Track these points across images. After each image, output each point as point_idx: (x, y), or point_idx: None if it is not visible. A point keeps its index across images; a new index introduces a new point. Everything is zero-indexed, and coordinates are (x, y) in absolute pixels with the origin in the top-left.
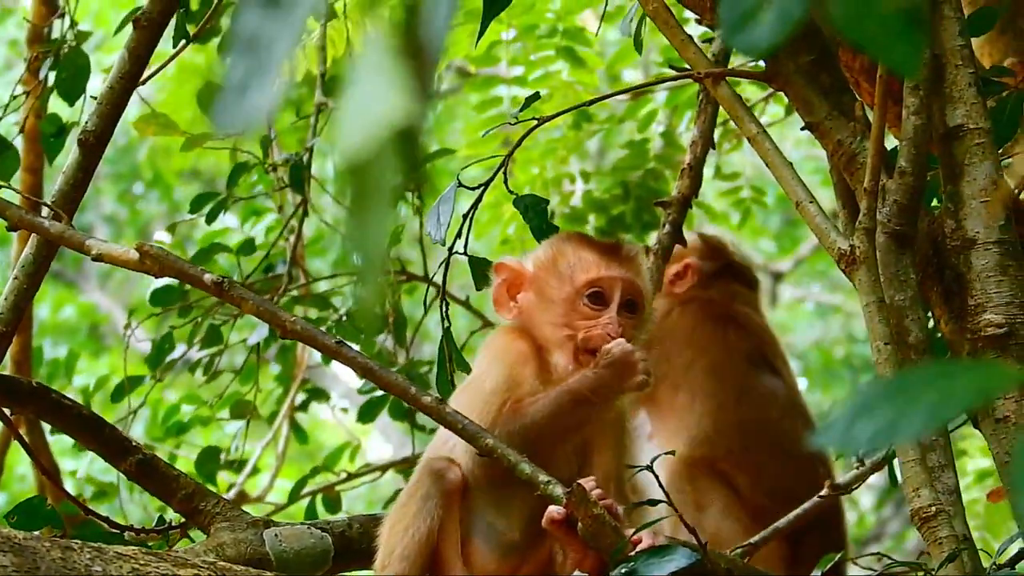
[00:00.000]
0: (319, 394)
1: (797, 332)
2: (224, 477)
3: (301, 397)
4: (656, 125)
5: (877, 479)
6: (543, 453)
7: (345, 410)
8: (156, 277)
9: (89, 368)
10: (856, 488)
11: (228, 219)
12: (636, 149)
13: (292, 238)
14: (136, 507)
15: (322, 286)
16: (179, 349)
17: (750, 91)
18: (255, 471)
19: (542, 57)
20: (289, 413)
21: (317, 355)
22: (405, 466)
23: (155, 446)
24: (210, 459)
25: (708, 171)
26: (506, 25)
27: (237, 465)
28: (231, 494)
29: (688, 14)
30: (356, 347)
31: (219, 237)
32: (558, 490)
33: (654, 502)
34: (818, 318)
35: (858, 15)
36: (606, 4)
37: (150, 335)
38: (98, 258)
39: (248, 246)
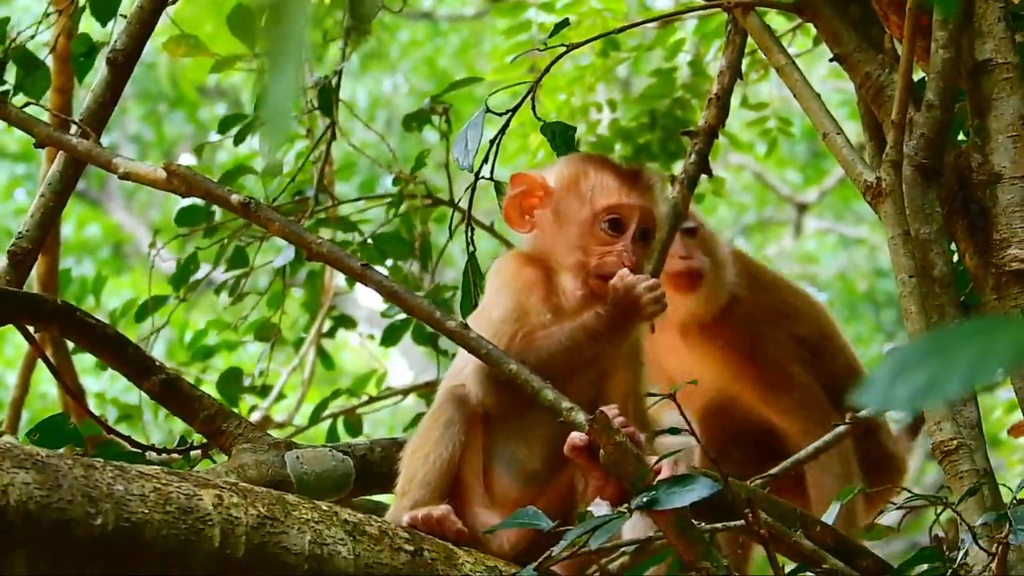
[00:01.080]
0: (346, 321)
1: (822, 263)
2: (250, 401)
3: (328, 324)
4: (683, 55)
5: (896, 414)
6: (557, 384)
7: (372, 337)
8: (183, 196)
9: (112, 287)
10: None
11: (256, 142)
12: (664, 78)
13: (320, 162)
14: (159, 431)
15: (347, 209)
16: (203, 270)
17: (777, 22)
18: (280, 396)
19: None
20: (316, 339)
21: (341, 281)
22: (427, 390)
23: (181, 371)
24: (232, 381)
25: (735, 101)
26: None
27: (262, 390)
28: (255, 417)
29: None
30: (382, 270)
31: (247, 161)
32: (580, 417)
33: (676, 431)
34: (842, 249)
35: None
36: None
37: (175, 255)
38: (125, 176)
39: (275, 168)
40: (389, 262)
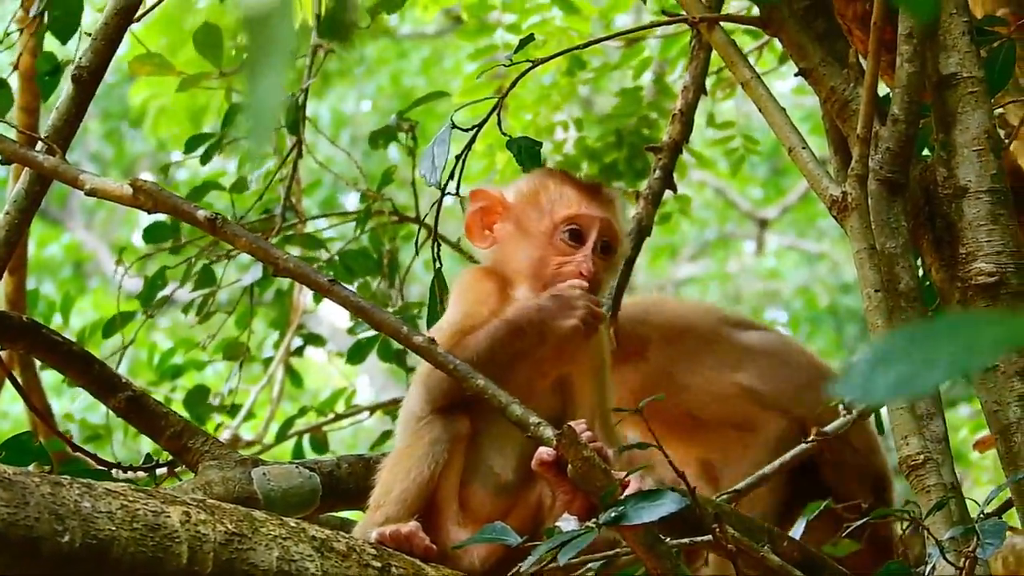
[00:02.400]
0: (315, 339)
1: (784, 279)
2: (219, 420)
3: (297, 342)
4: (649, 73)
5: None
6: (516, 393)
7: (341, 355)
8: (149, 213)
9: (74, 307)
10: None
11: (223, 161)
12: (629, 97)
13: (287, 180)
14: (127, 451)
15: (315, 226)
16: (170, 287)
17: (743, 41)
18: (250, 415)
19: (536, 4)
20: (285, 357)
21: (310, 300)
22: (392, 407)
23: (150, 390)
24: (199, 399)
25: (701, 120)
26: None
27: (231, 409)
28: (224, 437)
29: None
30: (351, 287)
31: (213, 179)
32: (548, 432)
33: (644, 445)
34: (805, 264)
35: None
36: None
37: (139, 274)
38: (92, 193)
39: (241, 184)
40: (359, 281)
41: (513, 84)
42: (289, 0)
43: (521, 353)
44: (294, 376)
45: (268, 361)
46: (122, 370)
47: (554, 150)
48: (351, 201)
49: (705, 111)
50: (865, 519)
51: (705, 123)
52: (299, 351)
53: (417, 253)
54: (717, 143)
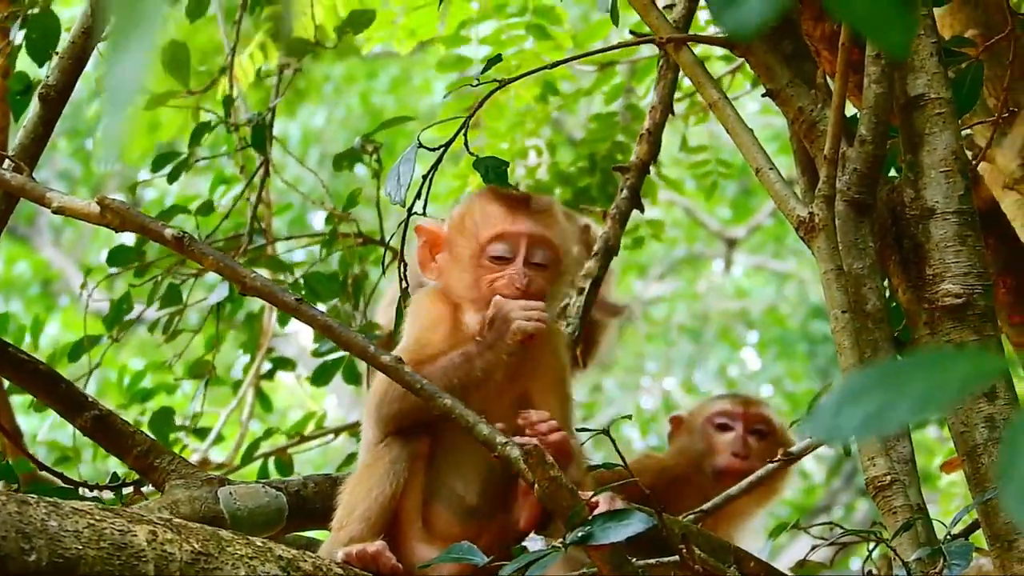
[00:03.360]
0: (284, 363)
1: (753, 298)
2: (190, 445)
3: (267, 366)
4: (621, 99)
5: (827, 450)
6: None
7: (310, 379)
8: (116, 231)
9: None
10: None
11: (194, 182)
12: (602, 122)
13: (254, 200)
14: (96, 472)
15: (281, 247)
16: (138, 308)
17: (718, 66)
18: (219, 439)
19: (512, 36)
20: (255, 381)
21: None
22: (357, 429)
23: (121, 413)
24: (165, 421)
25: (674, 143)
26: (476, 4)
27: (199, 432)
28: (194, 459)
29: None
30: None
31: (188, 202)
32: (515, 451)
33: (611, 466)
34: (773, 284)
35: None
36: None
37: (106, 293)
38: (59, 211)
39: (207, 207)
40: (328, 304)
41: (480, 104)
42: None
43: (476, 384)
44: (264, 399)
45: (238, 384)
46: (90, 390)
47: (527, 175)
48: (320, 220)
49: (678, 135)
50: (832, 542)
51: (679, 148)
52: (269, 374)
53: (384, 274)
54: (691, 167)
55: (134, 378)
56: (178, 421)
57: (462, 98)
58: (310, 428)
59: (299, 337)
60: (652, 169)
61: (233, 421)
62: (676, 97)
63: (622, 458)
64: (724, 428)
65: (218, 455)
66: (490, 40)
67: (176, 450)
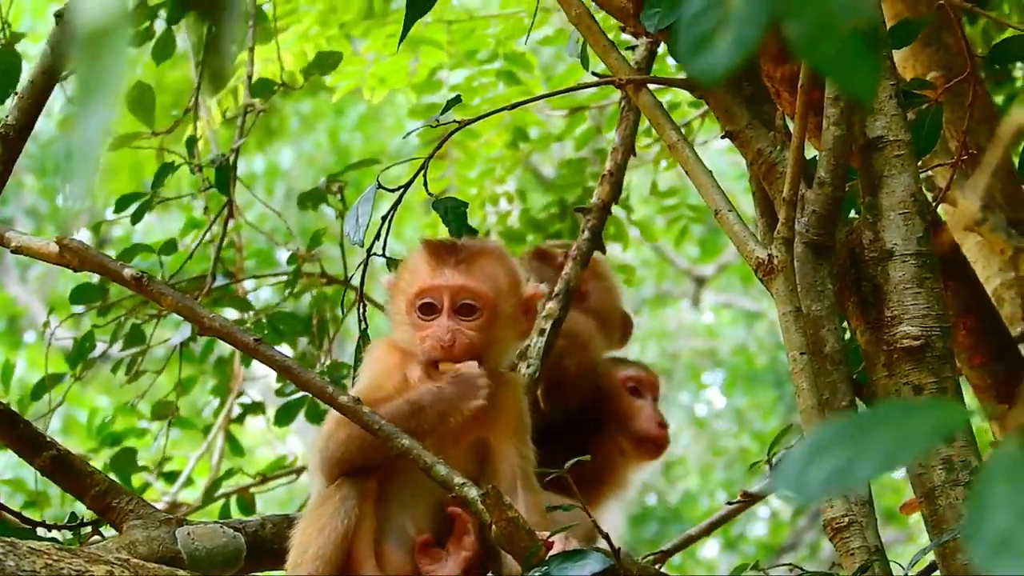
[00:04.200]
0: (255, 407)
1: (721, 337)
2: (159, 487)
3: (237, 410)
4: (591, 144)
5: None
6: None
7: (274, 419)
8: (75, 271)
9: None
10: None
11: (159, 221)
12: (573, 167)
13: (219, 238)
14: (65, 516)
15: (249, 285)
16: (103, 345)
17: (689, 109)
18: (188, 482)
19: (482, 84)
20: (225, 425)
21: (256, 367)
22: None
23: (90, 457)
24: (127, 461)
25: (645, 185)
26: (447, 52)
27: (170, 476)
28: (162, 504)
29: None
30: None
31: (158, 245)
32: (473, 492)
33: (568, 507)
34: (742, 322)
35: (815, 37)
36: (532, 21)
37: (72, 330)
38: (17, 250)
39: (170, 246)
40: (301, 346)
41: (440, 145)
42: (124, 24)
43: (421, 432)
44: (234, 444)
45: (208, 427)
46: (55, 427)
47: (498, 222)
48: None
49: (649, 180)
50: None
51: (649, 191)
52: (239, 419)
53: (344, 314)
54: (660, 211)
55: (103, 424)
56: (147, 464)
57: (432, 143)
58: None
59: (268, 378)
60: (624, 213)
61: (204, 464)
62: (647, 142)
63: (579, 499)
64: (636, 393)
65: (189, 497)
66: (462, 87)
67: (144, 493)
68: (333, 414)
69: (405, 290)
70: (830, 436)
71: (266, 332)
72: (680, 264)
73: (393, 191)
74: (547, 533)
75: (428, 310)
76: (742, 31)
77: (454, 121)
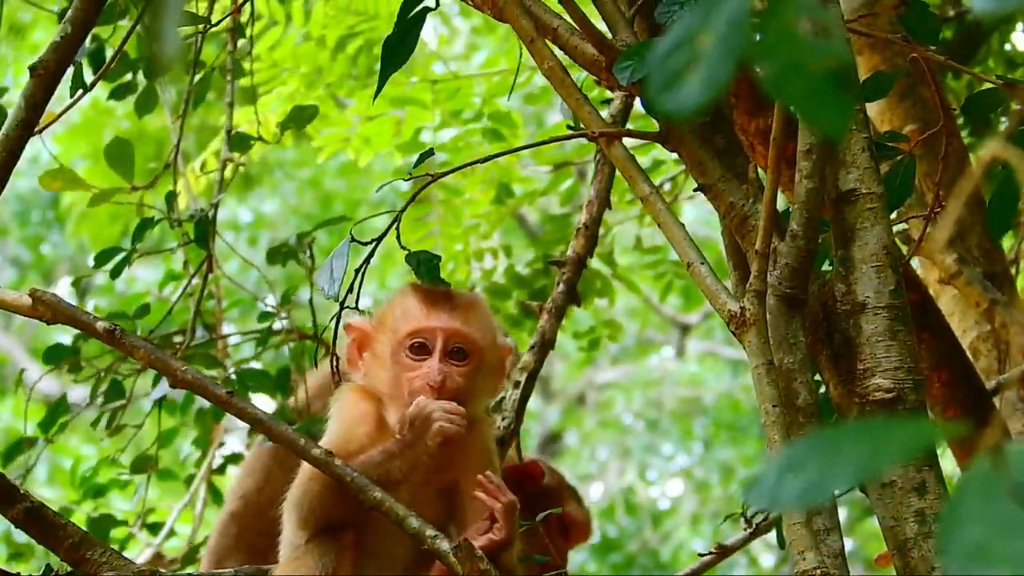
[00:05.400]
0: (237, 458)
1: (706, 386)
2: (142, 537)
3: (219, 460)
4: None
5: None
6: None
7: None
8: (48, 323)
9: None
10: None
11: (144, 273)
12: (557, 223)
13: (198, 292)
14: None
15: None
16: (80, 396)
17: (676, 166)
18: (171, 534)
19: (469, 143)
20: (207, 475)
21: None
22: None
23: (72, 509)
24: (106, 526)
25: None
26: (432, 111)
27: (153, 527)
28: (146, 554)
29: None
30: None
31: (139, 298)
32: (445, 544)
33: (541, 558)
34: (727, 371)
35: (787, 77)
36: (515, 80)
37: (56, 379)
38: None
39: (144, 310)
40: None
41: (411, 199)
42: None
43: (395, 482)
44: (216, 494)
45: (190, 478)
46: (41, 475)
47: (483, 277)
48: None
49: (633, 235)
50: None
51: (633, 247)
52: (221, 469)
53: (316, 366)
54: (644, 267)
55: (84, 476)
56: (129, 517)
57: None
58: None
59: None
60: (608, 269)
61: (187, 513)
62: (631, 198)
63: (549, 547)
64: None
65: (175, 546)
66: (447, 147)
67: (128, 544)
68: (307, 467)
69: (393, 330)
70: (803, 451)
71: (236, 387)
72: (665, 311)
73: (366, 244)
74: None
75: (419, 351)
76: (713, 70)
77: (428, 174)
